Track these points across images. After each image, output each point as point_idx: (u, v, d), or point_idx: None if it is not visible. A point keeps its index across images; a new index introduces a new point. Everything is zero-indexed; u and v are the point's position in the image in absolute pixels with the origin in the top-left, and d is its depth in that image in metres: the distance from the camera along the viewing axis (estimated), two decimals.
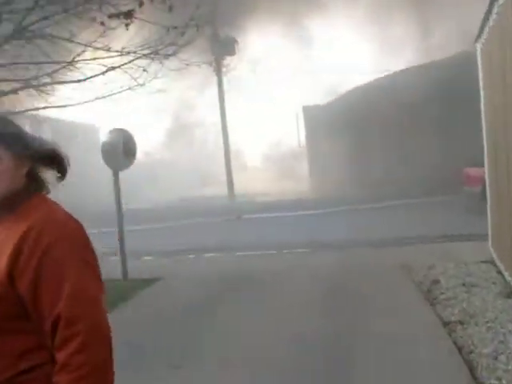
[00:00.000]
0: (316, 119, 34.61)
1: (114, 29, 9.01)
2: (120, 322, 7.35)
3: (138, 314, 7.78)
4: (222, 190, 34.06)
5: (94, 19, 8.61)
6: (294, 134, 49.40)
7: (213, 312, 7.54)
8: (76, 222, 1.86)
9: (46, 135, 38.40)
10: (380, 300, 7.55)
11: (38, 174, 1.82)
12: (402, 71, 26.44)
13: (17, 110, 10.08)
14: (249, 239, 14.94)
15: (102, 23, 8.11)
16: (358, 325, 6.49)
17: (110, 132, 9.57)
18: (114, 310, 7.82)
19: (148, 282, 9.59)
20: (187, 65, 10.88)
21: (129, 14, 7.54)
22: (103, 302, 1.84)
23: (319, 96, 34.71)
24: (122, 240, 9.82)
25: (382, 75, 27.69)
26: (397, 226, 14.68)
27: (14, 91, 9.13)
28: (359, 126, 29.07)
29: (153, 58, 9.45)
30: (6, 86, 9.40)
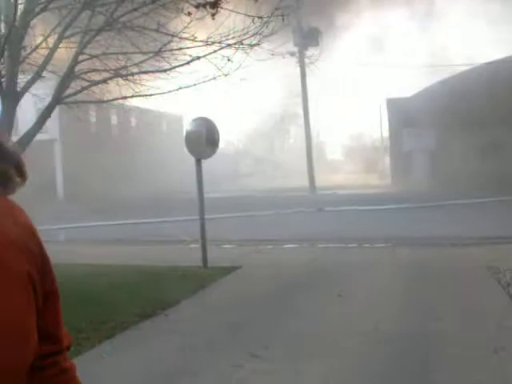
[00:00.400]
0: (400, 112, 33.81)
1: (199, 19, 9.11)
2: (200, 307, 7.51)
3: (216, 301, 7.88)
4: (303, 181, 33.97)
5: (180, 9, 8.74)
6: (376, 127, 48.44)
7: (291, 299, 7.54)
8: None
9: (133, 123, 39.28)
10: (469, 304, 7.26)
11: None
12: (492, 63, 25.34)
13: (106, 99, 10.41)
14: (329, 232, 14.83)
15: (189, 13, 8.20)
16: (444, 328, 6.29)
17: (194, 121, 9.72)
18: (194, 296, 8.00)
19: (227, 270, 9.69)
20: (272, 55, 10.83)
21: (215, 4, 7.58)
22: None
23: (405, 89, 33.95)
24: (202, 228, 9.95)
25: (474, 65, 26.65)
26: (483, 225, 14.13)
27: (104, 81, 9.42)
28: (445, 120, 28.14)
29: (237, 48, 9.45)
30: (96, 76, 9.72)
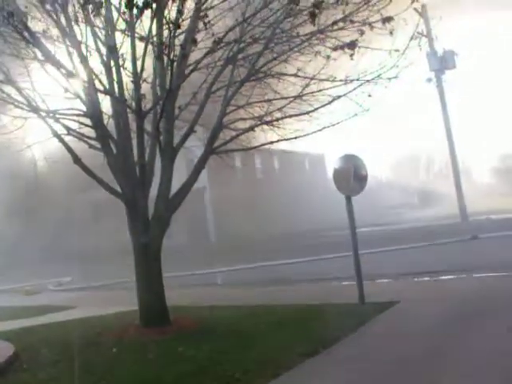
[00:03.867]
0: None
1: (335, 59, 9.33)
2: (362, 344, 7.45)
3: (378, 337, 7.77)
4: (452, 208, 32.59)
5: (318, 53, 9.02)
6: None
7: (456, 334, 7.24)
8: None
9: (276, 165, 40.28)
10: None
11: None
12: None
13: (252, 145, 10.89)
14: (487, 260, 14.06)
15: (328, 57, 8.45)
16: None
17: (341, 158, 9.85)
18: (355, 333, 7.95)
19: (385, 306, 9.53)
20: (409, 85, 10.75)
21: (352, 45, 7.75)
22: None
23: None
24: (357, 264, 9.93)
25: None
26: None
27: (251, 128, 9.88)
28: None
29: (376, 83, 9.51)
30: (242, 124, 10.24)
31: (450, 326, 7.73)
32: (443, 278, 12.37)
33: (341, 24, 8.60)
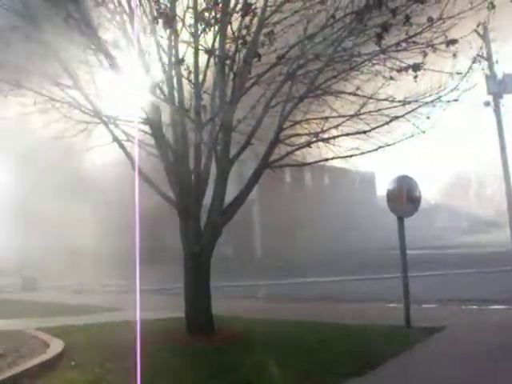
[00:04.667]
0: None
1: (395, 80, 9.30)
2: (408, 367, 7.35)
3: (424, 362, 7.65)
4: (504, 234, 31.76)
5: (378, 73, 9.02)
6: None
7: (504, 364, 7.07)
8: None
9: (326, 181, 40.12)
10: None
11: None
12: None
13: (306, 161, 10.91)
14: None
15: (391, 78, 8.43)
16: None
17: (395, 179, 9.80)
18: (400, 356, 7.85)
19: (431, 331, 9.38)
20: (467, 108, 10.61)
21: (417, 67, 7.72)
22: None
23: None
24: (406, 286, 9.81)
25: None
26: None
27: (308, 144, 9.92)
28: None
29: (435, 105, 9.43)
30: (297, 140, 10.28)
31: (499, 354, 7.56)
32: (491, 307, 12.09)
33: (404, 45, 8.58)
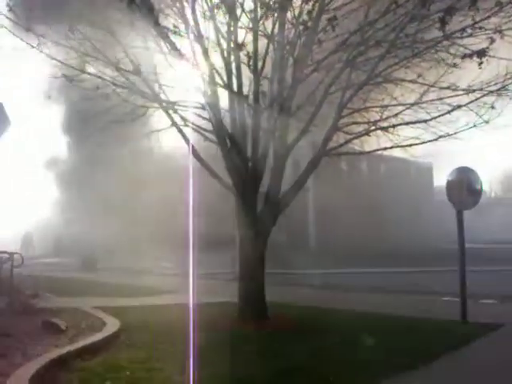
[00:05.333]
0: None
1: (459, 68, 8.99)
2: (465, 364, 7.17)
3: (482, 360, 7.44)
4: None
5: (441, 60, 8.75)
6: None
7: None
8: None
9: (382, 171, 39.48)
10: None
11: None
12: None
13: (364, 150, 10.74)
14: None
15: (455, 65, 8.16)
16: None
17: (455, 170, 9.53)
18: (456, 352, 7.66)
19: (490, 327, 9.12)
20: None
21: (482, 53, 7.44)
22: None
23: None
24: (463, 281, 9.57)
25: None
26: None
27: (367, 133, 9.76)
28: None
29: (500, 94, 9.06)
30: (356, 128, 10.13)
31: None
32: None
33: (469, 31, 8.27)
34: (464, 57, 7.84)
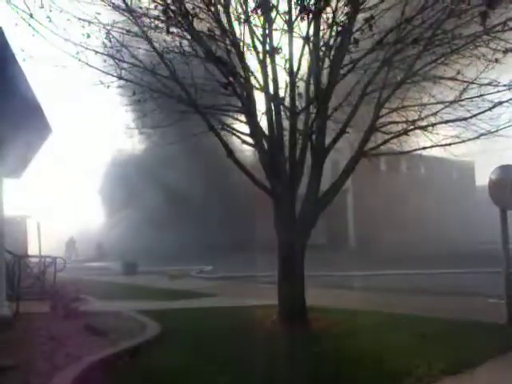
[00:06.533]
0: None
1: (500, 63, 8.77)
2: (509, 371, 6.95)
3: None
4: None
5: (481, 56, 8.55)
6: None
7: None
8: None
9: (423, 171, 38.90)
10: None
11: None
12: None
13: (404, 149, 10.58)
14: None
15: (496, 60, 7.96)
16: None
17: (499, 168, 9.29)
18: (501, 357, 7.43)
19: None
20: None
21: None
22: None
23: None
24: (508, 282, 9.30)
25: None
26: None
27: (405, 132, 9.61)
28: None
29: None
30: (394, 128, 9.99)
31: None
32: None
33: (511, 24, 8.05)
34: (506, 51, 7.63)
